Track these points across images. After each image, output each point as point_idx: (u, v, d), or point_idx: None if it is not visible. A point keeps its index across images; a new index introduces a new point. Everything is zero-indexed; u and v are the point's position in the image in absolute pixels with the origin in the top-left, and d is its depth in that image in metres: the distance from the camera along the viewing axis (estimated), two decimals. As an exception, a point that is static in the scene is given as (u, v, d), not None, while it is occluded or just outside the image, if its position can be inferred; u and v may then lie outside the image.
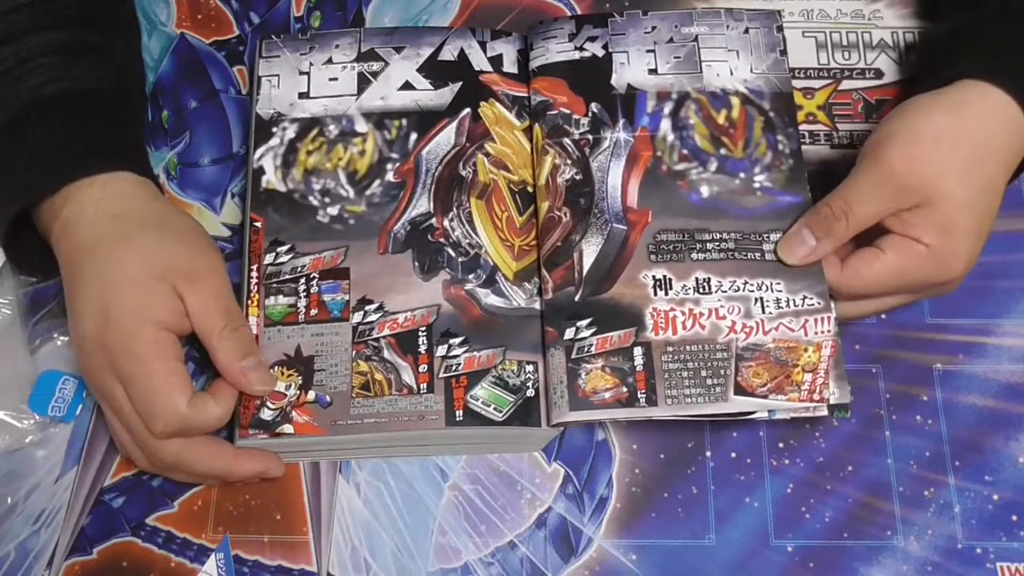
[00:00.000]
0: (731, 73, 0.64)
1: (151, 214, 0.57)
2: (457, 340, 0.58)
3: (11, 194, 0.56)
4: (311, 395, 0.57)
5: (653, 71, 0.64)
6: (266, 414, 0.57)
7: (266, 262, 0.60)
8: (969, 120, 0.55)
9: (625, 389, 0.56)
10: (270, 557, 0.58)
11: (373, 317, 0.59)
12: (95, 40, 0.60)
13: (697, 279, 0.58)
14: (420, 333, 0.58)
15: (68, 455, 0.60)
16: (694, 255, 0.59)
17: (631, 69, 0.64)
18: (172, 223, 0.57)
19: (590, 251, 0.59)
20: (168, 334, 0.54)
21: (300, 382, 0.57)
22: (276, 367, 0.58)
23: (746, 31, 0.65)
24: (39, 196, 0.56)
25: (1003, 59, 0.57)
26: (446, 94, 0.64)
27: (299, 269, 0.60)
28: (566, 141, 0.62)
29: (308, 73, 0.65)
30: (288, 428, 0.56)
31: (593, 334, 0.57)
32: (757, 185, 0.61)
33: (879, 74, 0.70)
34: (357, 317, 0.59)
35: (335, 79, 0.65)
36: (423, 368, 0.58)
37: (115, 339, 0.53)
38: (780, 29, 0.65)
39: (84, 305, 0.54)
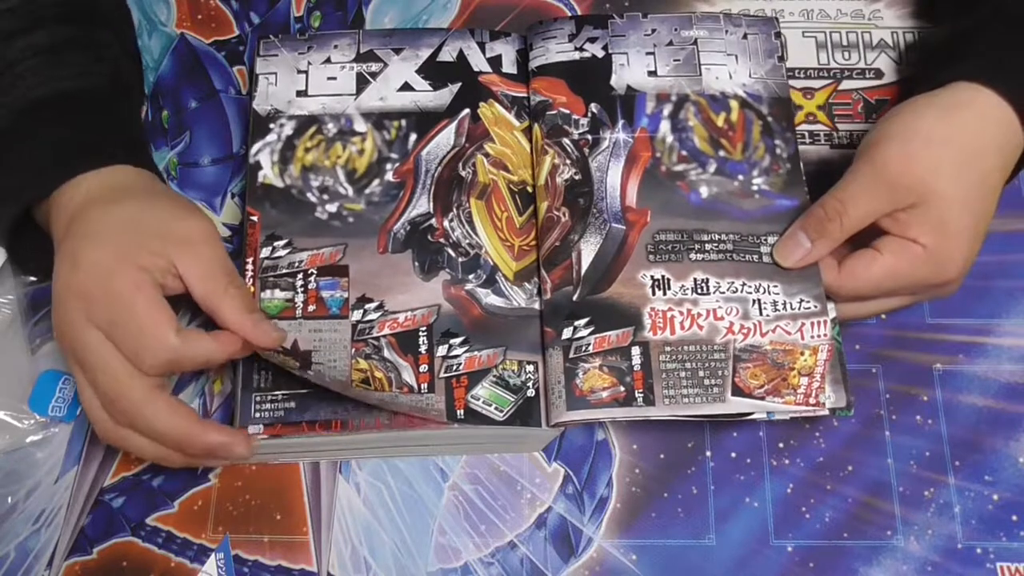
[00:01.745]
0: (730, 77, 0.64)
1: (146, 190, 0.56)
2: (458, 340, 0.58)
3: (8, 197, 0.56)
4: None
5: (652, 73, 0.64)
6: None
7: (262, 256, 0.60)
8: (961, 121, 0.56)
9: (622, 388, 0.56)
10: (270, 557, 0.58)
11: (373, 316, 0.59)
12: (82, 37, 0.60)
13: (695, 280, 0.58)
14: (420, 333, 0.58)
15: (68, 455, 0.60)
16: (692, 256, 0.59)
17: (631, 70, 0.64)
18: (166, 195, 0.57)
19: (588, 251, 0.59)
20: (151, 276, 0.52)
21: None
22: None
23: (744, 36, 0.65)
24: (32, 199, 0.56)
25: (996, 61, 0.57)
26: (445, 95, 0.64)
27: (296, 264, 0.60)
28: (565, 141, 0.62)
29: (306, 71, 0.65)
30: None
31: (591, 333, 0.57)
32: (755, 188, 0.61)
33: (879, 74, 0.70)
34: (357, 315, 0.59)
35: (333, 78, 0.65)
36: (423, 368, 0.58)
37: (94, 283, 0.51)
38: (778, 35, 0.65)
39: (61, 259, 0.53)
